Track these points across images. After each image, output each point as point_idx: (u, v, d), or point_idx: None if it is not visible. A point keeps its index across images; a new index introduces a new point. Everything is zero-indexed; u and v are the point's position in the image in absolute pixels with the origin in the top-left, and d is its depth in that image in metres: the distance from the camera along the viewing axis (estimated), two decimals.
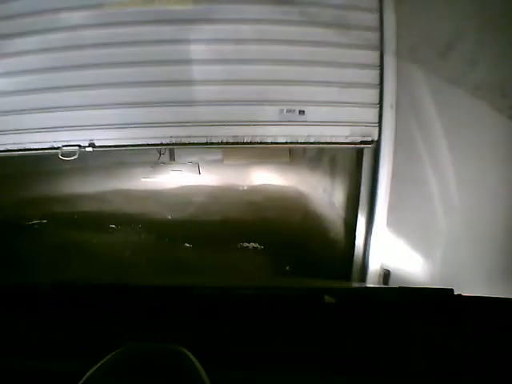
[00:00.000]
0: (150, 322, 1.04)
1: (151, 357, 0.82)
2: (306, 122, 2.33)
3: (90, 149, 2.36)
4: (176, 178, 4.40)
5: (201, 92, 2.28)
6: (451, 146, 2.09)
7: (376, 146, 2.40)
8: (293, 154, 4.95)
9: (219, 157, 4.80)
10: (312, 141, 2.37)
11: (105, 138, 2.35)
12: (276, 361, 0.93)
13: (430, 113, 2.17)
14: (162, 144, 2.39)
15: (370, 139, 2.39)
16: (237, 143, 2.35)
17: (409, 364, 0.92)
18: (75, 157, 2.34)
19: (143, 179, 4.40)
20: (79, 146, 2.36)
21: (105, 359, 0.81)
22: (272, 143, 2.37)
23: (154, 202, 3.81)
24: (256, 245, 3.14)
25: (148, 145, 2.37)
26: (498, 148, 1.95)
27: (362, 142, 2.40)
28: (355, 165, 2.95)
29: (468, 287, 1.10)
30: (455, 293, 1.09)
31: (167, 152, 4.83)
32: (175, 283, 1.29)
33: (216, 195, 3.92)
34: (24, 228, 3.47)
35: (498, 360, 0.93)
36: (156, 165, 4.72)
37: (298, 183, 4.23)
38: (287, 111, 2.33)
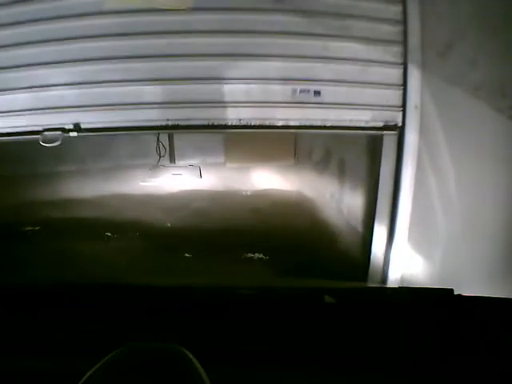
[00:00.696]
0: (149, 322, 1.03)
1: (151, 357, 0.82)
2: (322, 103, 2.07)
3: (74, 133, 2.06)
4: (176, 182, 4.27)
5: (202, 68, 1.99)
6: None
7: (400, 133, 2.15)
8: (298, 155, 4.81)
9: (221, 159, 4.69)
10: (328, 125, 2.10)
11: (91, 120, 2.06)
12: (276, 361, 0.93)
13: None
14: (157, 127, 2.10)
15: (393, 124, 2.13)
16: (243, 127, 2.08)
17: (409, 364, 0.92)
18: (58, 143, 2.09)
19: (142, 183, 4.27)
20: (63, 129, 2.07)
21: (105, 359, 0.81)
22: (283, 127, 2.11)
23: (153, 207, 3.67)
24: (261, 255, 2.96)
25: (141, 128, 2.07)
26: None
27: (384, 128, 2.14)
28: (368, 166, 2.80)
29: (468, 287, 1.11)
30: (455, 293, 1.09)
31: (167, 154, 4.71)
32: (175, 283, 1.29)
33: (218, 201, 3.77)
34: (17, 235, 3.31)
35: (499, 360, 0.92)
36: (155, 168, 4.59)
37: (304, 187, 4.09)
38: (301, 91, 2.05)
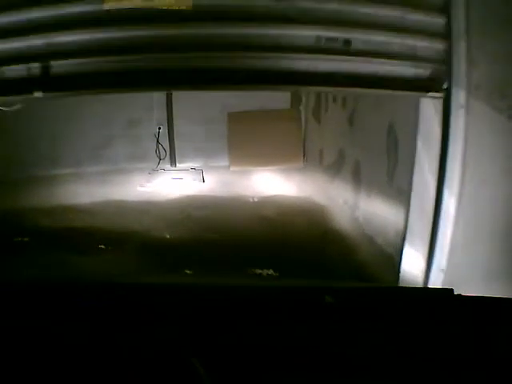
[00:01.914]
0: (149, 322, 1.03)
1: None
2: (353, 55, 1.70)
3: (39, 93, 1.58)
4: (177, 187, 4.05)
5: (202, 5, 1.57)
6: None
7: (446, 95, 1.75)
8: (307, 157, 4.57)
9: (225, 162, 4.45)
10: (359, 83, 1.72)
11: (62, 69, 1.59)
12: (276, 361, 0.93)
13: None
14: (149, 82, 1.65)
15: (439, 84, 1.72)
16: (253, 80, 1.66)
17: (409, 363, 0.92)
18: (17, 106, 1.69)
19: (140, 188, 4.04)
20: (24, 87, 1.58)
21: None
22: (303, 83, 1.72)
23: (151, 216, 3.42)
24: (270, 271, 2.68)
25: (129, 82, 1.61)
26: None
27: (427, 86, 1.75)
28: (389, 168, 2.58)
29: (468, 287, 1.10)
30: (455, 293, 1.10)
31: (167, 157, 4.47)
32: (175, 283, 1.28)
33: (222, 208, 3.52)
34: (3, 246, 3.00)
35: (498, 359, 0.92)
36: (155, 171, 4.36)
37: (315, 193, 3.84)
38: (327, 39, 1.67)
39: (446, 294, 1.14)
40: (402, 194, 2.68)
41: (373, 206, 3.11)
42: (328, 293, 1.10)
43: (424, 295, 1.18)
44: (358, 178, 3.34)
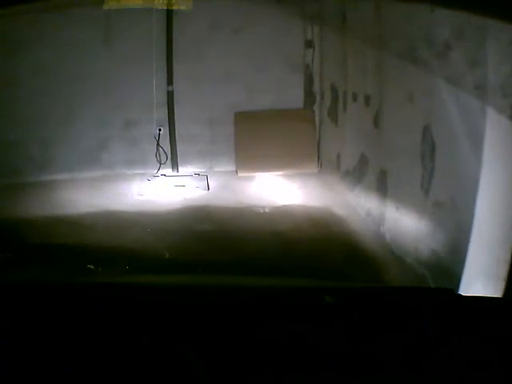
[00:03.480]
0: (150, 322, 1.03)
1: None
2: None
3: None
4: (178, 196, 3.71)
5: None
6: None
7: None
8: (322, 161, 4.24)
9: (231, 167, 4.14)
10: None
11: None
12: (276, 361, 0.93)
13: None
14: None
15: None
16: None
17: (408, 364, 0.92)
18: None
19: (138, 196, 3.70)
20: None
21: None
22: None
23: (148, 230, 3.07)
24: None
25: None
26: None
27: None
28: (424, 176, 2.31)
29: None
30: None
31: (168, 161, 4.15)
32: (175, 283, 1.29)
33: (229, 221, 3.17)
34: None
35: (498, 360, 0.91)
36: (155, 177, 4.03)
37: (332, 202, 3.49)
38: None
39: (446, 293, 1.15)
40: (440, 208, 2.32)
41: (402, 221, 2.75)
42: (328, 293, 1.09)
43: (424, 295, 1.16)
44: (384, 187, 2.99)
